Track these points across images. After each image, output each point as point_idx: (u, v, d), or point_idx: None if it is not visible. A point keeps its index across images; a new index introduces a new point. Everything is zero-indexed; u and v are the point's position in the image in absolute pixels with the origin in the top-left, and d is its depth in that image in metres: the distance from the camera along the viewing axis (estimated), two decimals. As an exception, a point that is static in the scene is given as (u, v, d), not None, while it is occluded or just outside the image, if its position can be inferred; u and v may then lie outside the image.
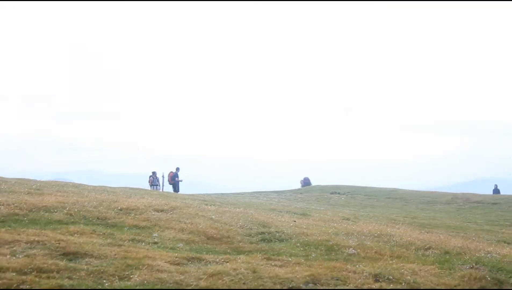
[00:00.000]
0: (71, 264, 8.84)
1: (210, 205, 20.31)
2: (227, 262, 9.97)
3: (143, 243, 11.59)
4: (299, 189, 50.54)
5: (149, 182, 45.04)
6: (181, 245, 11.93)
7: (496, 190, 51.46)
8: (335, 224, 17.82)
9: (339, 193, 45.15)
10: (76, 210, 14.52)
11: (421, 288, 9.26)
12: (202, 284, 8.39)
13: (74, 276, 8.21)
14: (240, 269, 9.34)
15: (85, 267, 8.76)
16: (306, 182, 57.16)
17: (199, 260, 10.12)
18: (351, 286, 8.91)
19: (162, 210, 16.03)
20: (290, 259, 10.75)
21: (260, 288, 8.52)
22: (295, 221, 17.69)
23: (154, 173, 45.54)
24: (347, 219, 22.32)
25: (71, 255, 9.52)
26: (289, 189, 51.28)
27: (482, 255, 12.53)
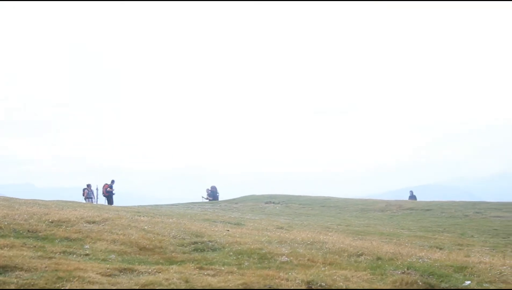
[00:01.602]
0: (0, 278, 8.72)
1: (143, 216, 20.22)
2: (160, 272, 9.97)
3: (75, 255, 11.48)
4: (234, 199, 50.25)
5: (83, 194, 44.76)
6: (113, 256, 11.86)
7: (412, 197, 53.34)
8: (269, 233, 17.93)
9: (273, 203, 45.23)
10: (6, 223, 14.29)
11: (353, 293, 9.41)
12: (134, 294, 8.39)
13: (3, 290, 8.12)
14: (173, 279, 9.36)
15: (15, 280, 8.66)
16: (213, 192, 54.04)
17: (131, 271, 10.09)
18: (283, 293, 9.01)
19: (94, 222, 15.92)
20: (223, 268, 10.79)
21: (192, 297, 8.56)
22: (228, 230, 17.76)
23: (88, 185, 45.31)
24: (281, 227, 22.47)
25: (1, 268, 9.38)
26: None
27: (414, 260, 12.74)
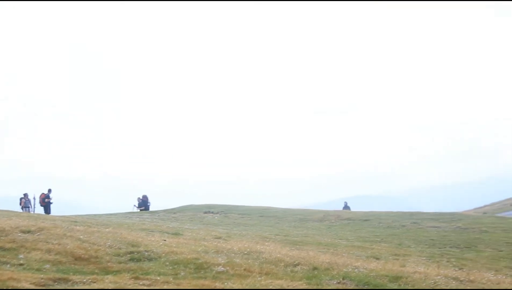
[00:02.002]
0: None
1: (80, 226, 19.99)
2: (95, 282, 9.92)
3: (8, 265, 11.34)
4: (172, 209, 49.88)
5: (20, 204, 43.98)
6: (47, 266, 11.74)
7: (346, 207, 54.79)
8: (206, 243, 17.93)
9: (212, 212, 45.07)
10: None
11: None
12: (68, 304, 8.34)
13: None
14: (108, 289, 9.31)
15: None
16: (144, 201, 52.62)
17: (66, 281, 10.01)
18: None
19: (29, 231, 15.69)
20: (158, 278, 10.80)
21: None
22: (165, 240, 17.71)
23: (25, 194, 44.57)
24: (219, 237, 22.44)
25: None
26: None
27: (350, 270, 12.95)
